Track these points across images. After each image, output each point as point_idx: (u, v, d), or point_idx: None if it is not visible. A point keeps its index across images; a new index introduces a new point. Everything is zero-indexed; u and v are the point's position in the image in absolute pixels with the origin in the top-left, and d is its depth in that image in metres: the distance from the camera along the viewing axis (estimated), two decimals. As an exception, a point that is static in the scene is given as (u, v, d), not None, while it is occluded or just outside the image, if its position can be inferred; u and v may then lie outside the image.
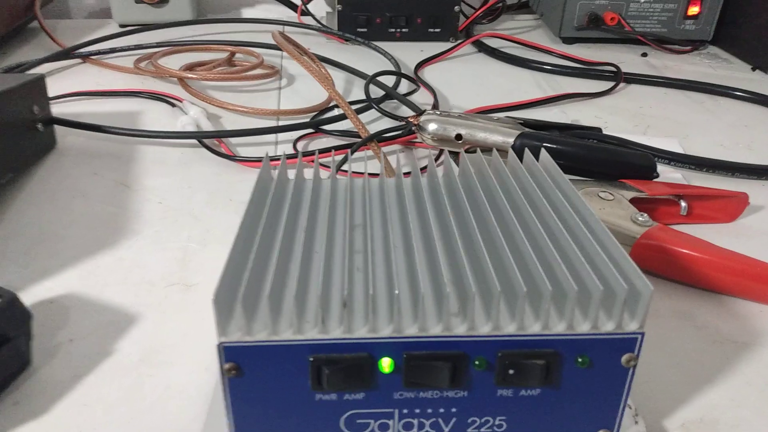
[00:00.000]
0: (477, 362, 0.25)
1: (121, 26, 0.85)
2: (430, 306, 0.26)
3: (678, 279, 0.40)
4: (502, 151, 0.47)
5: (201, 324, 0.35)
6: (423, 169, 0.49)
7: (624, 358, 0.26)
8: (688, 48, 0.83)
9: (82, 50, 0.73)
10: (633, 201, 0.43)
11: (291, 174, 0.35)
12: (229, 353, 0.25)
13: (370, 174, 0.37)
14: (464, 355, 0.25)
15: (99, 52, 0.74)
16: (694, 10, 0.81)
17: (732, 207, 0.46)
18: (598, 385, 0.26)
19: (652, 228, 0.40)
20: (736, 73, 0.76)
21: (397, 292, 0.24)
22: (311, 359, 0.25)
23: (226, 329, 0.24)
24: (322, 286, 0.25)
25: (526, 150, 0.37)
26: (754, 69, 0.77)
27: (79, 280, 0.39)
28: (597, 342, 0.25)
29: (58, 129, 0.55)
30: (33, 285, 0.38)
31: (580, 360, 0.26)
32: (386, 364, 0.25)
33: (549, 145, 0.45)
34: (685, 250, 0.39)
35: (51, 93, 0.60)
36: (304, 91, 0.67)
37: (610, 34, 0.82)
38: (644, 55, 0.81)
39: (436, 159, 0.52)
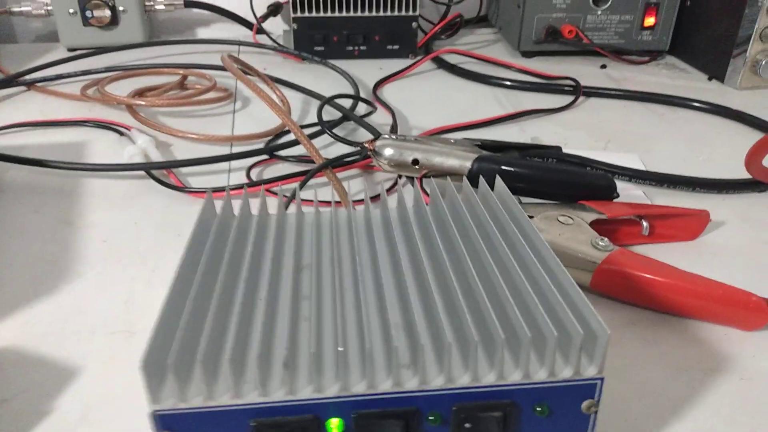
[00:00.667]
0: (431, 417, 0.24)
1: (70, 50, 0.82)
2: (379, 359, 0.25)
3: (641, 304, 0.39)
4: (459, 176, 0.46)
5: (144, 376, 0.33)
6: (375, 198, 0.48)
7: (584, 404, 0.25)
8: (646, 59, 0.83)
9: (26, 77, 0.71)
10: (593, 223, 0.42)
11: (237, 206, 0.34)
12: (163, 421, 0.23)
13: (321, 202, 0.35)
14: (417, 410, 0.24)
15: (44, 79, 0.71)
16: (650, 21, 0.81)
17: (694, 225, 0.46)
18: (559, 433, 0.25)
19: (613, 252, 0.39)
20: (694, 83, 0.77)
21: (341, 348, 0.23)
22: (253, 424, 0.23)
23: (158, 396, 0.23)
24: (262, 343, 0.23)
25: (481, 177, 0.36)
26: (710, 79, 0.77)
27: (16, 331, 0.36)
28: (555, 390, 0.24)
29: (-2, 164, 0.52)
30: (-37, 339, 0.36)
31: (538, 409, 0.24)
32: (334, 424, 0.24)
33: (506, 168, 0.44)
34: (647, 275, 0.38)
35: (-9, 125, 0.57)
36: (259, 114, 0.65)
37: (568, 46, 0.82)
38: (603, 66, 0.81)
39: (391, 187, 0.50)
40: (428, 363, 0.24)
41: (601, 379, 0.24)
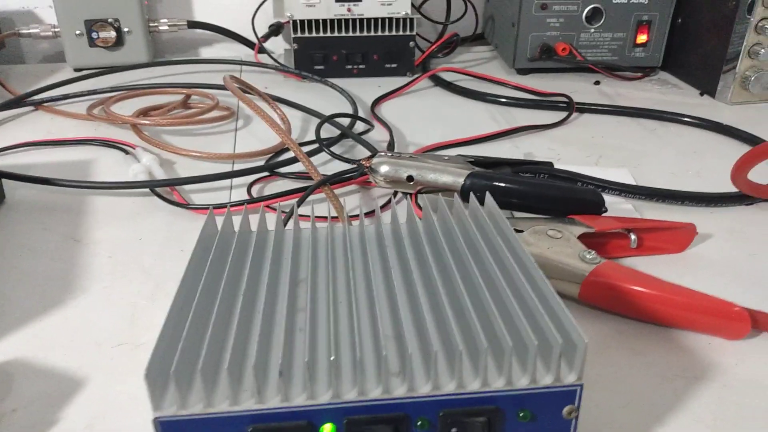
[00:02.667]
0: (419, 423, 0.25)
1: (76, 70, 0.84)
2: (369, 367, 0.26)
3: (628, 314, 0.40)
4: (453, 191, 0.47)
5: (148, 386, 0.35)
6: (370, 213, 0.49)
7: (565, 410, 0.26)
8: (639, 75, 0.85)
9: (34, 97, 0.73)
10: (582, 237, 0.43)
11: (238, 222, 0.35)
12: (164, 428, 0.24)
13: (318, 217, 0.37)
14: (406, 416, 0.25)
15: (51, 99, 0.73)
16: (642, 38, 0.83)
17: (681, 238, 0.47)
18: (542, 438, 0.26)
19: (600, 265, 0.40)
20: (686, 98, 0.78)
21: (332, 357, 0.24)
22: (250, 430, 0.24)
23: (160, 404, 0.24)
24: (258, 353, 0.25)
25: (471, 194, 0.37)
26: (701, 94, 0.79)
27: (25, 344, 0.38)
28: (537, 396, 0.25)
29: (8, 182, 0.54)
30: (-26, 352, 0.37)
31: (521, 414, 0.26)
32: (328, 430, 0.25)
33: (498, 184, 0.46)
34: (632, 286, 0.39)
35: (1, 143, 0.59)
36: (260, 132, 0.67)
37: (562, 63, 0.84)
38: (597, 83, 0.83)
39: (385, 204, 0.52)
40: (416, 371, 0.26)
41: (581, 386, 0.26)
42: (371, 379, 0.25)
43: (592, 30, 0.82)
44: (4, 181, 0.53)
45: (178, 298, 0.27)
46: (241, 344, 0.26)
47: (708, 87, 0.78)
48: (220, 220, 0.36)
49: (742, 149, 0.65)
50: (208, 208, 0.50)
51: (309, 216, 0.38)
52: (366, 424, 0.25)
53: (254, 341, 0.27)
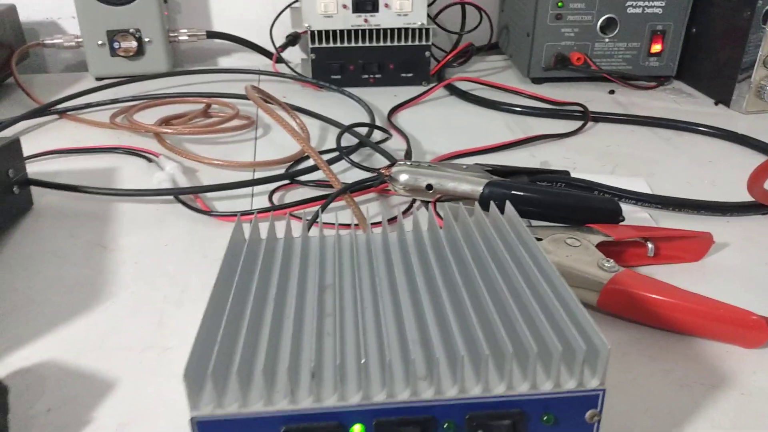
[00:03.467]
0: (446, 425, 0.26)
1: (98, 79, 0.86)
2: (397, 371, 0.27)
3: (646, 322, 0.41)
4: (471, 200, 0.48)
5: (178, 388, 0.36)
6: (392, 220, 0.50)
7: (588, 414, 0.27)
8: (654, 84, 0.85)
9: (58, 106, 0.74)
10: (600, 245, 0.44)
11: (265, 228, 0.36)
12: (201, 427, 0.25)
13: (341, 225, 0.37)
14: (433, 419, 0.26)
15: (75, 108, 0.74)
16: (656, 47, 0.84)
17: (697, 246, 0.48)
18: (565, 441, 0.27)
19: (618, 273, 0.41)
20: (700, 107, 0.79)
21: (363, 360, 0.25)
22: (283, 429, 0.25)
23: (197, 403, 0.25)
24: (291, 356, 0.26)
25: (492, 202, 0.38)
26: (716, 103, 0.79)
27: (55, 347, 0.39)
28: (560, 400, 0.26)
29: (35, 189, 0.55)
30: (8, 354, 0.38)
31: (545, 418, 0.26)
32: (357, 431, 0.26)
33: (516, 193, 0.47)
34: (650, 294, 0.40)
35: (28, 150, 0.60)
36: (280, 140, 0.68)
37: (577, 73, 0.84)
38: (612, 92, 0.84)
39: (406, 210, 0.53)
40: (443, 375, 0.26)
41: (603, 391, 0.26)
42: (399, 382, 0.26)
43: (607, 39, 0.83)
44: (31, 188, 0.55)
45: (211, 302, 0.28)
46: (273, 347, 0.27)
47: (723, 96, 0.79)
48: (245, 228, 0.37)
49: (757, 158, 0.65)
50: (231, 216, 0.51)
51: (333, 224, 0.39)
52: (394, 425, 0.26)
53: (286, 344, 0.28)
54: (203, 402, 0.25)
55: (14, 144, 0.52)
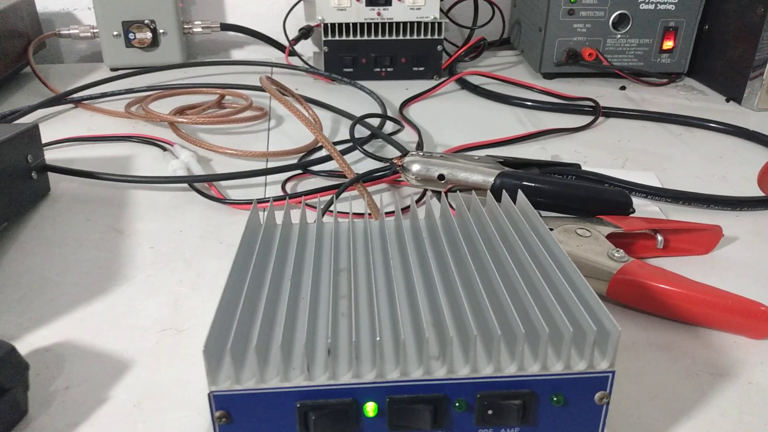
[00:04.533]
0: (457, 404, 0.27)
1: (112, 70, 0.87)
2: (411, 350, 0.27)
3: (654, 312, 0.41)
4: (482, 190, 0.48)
5: (193, 369, 0.36)
6: (405, 209, 0.51)
7: (597, 395, 0.27)
8: (665, 81, 0.85)
9: (74, 96, 0.75)
10: (610, 236, 0.45)
11: (279, 216, 0.37)
12: (219, 401, 0.26)
13: (354, 214, 0.38)
14: (445, 397, 0.26)
15: (91, 97, 0.75)
16: (668, 44, 0.84)
17: (707, 239, 0.48)
18: (574, 422, 0.28)
19: (628, 263, 0.41)
20: (711, 104, 0.79)
21: (378, 338, 0.26)
22: (298, 405, 0.26)
23: (216, 379, 0.26)
24: (307, 334, 0.26)
25: (504, 191, 0.38)
26: (727, 100, 0.79)
27: (74, 328, 0.40)
28: (570, 381, 0.27)
29: (52, 175, 0.56)
30: (28, 333, 0.39)
31: (555, 399, 0.27)
32: (370, 408, 0.26)
33: (528, 183, 0.47)
34: (659, 284, 0.40)
35: (44, 139, 0.61)
36: (293, 132, 0.69)
37: (588, 68, 0.84)
38: (623, 88, 0.84)
39: (419, 200, 0.53)
40: (455, 354, 0.27)
41: (613, 373, 0.27)
42: (413, 360, 0.27)
43: (619, 36, 0.83)
44: (48, 174, 0.56)
45: (229, 282, 0.29)
46: (289, 326, 0.28)
47: (734, 93, 0.79)
48: (260, 215, 0.38)
49: (767, 154, 0.65)
50: (245, 203, 0.52)
51: (347, 213, 0.40)
52: (407, 403, 0.26)
53: (302, 323, 0.28)
54: (222, 377, 0.26)
55: (33, 130, 0.53)
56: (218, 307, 0.27)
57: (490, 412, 0.27)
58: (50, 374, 0.36)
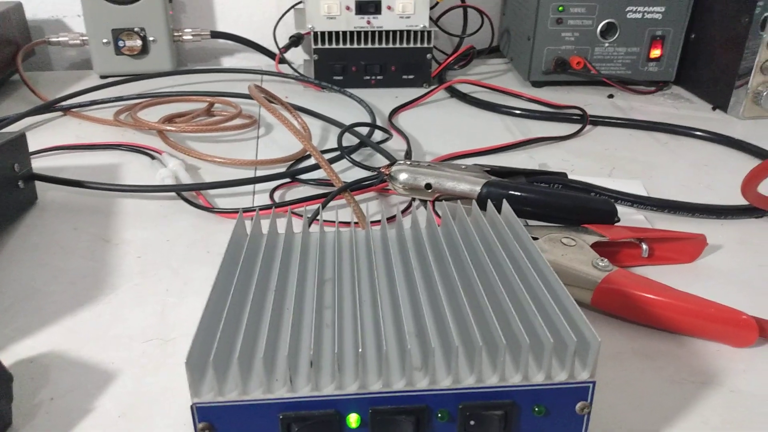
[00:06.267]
0: (440, 414, 0.27)
1: (102, 77, 0.87)
2: (393, 361, 0.28)
3: (638, 321, 0.41)
4: (469, 200, 0.49)
5: (179, 379, 0.36)
6: (391, 218, 0.51)
7: (578, 406, 0.27)
8: (653, 89, 0.86)
9: (63, 103, 0.75)
10: (595, 245, 0.45)
11: (265, 225, 0.37)
12: (202, 413, 0.26)
13: (341, 222, 0.38)
14: (427, 408, 0.27)
15: (80, 105, 0.75)
16: (655, 53, 0.85)
17: (691, 248, 0.48)
18: (556, 432, 0.28)
19: (612, 273, 0.42)
20: (698, 112, 0.80)
21: (360, 350, 0.26)
22: (281, 417, 0.26)
23: (198, 390, 0.26)
24: (290, 345, 0.26)
25: (489, 201, 0.39)
26: (714, 108, 0.80)
27: (59, 338, 0.40)
28: (551, 391, 0.27)
29: (39, 184, 0.56)
30: (14, 344, 0.39)
31: (536, 409, 0.27)
32: (353, 419, 0.26)
33: (513, 193, 0.47)
34: (643, 293, 0.40)
35: (32, 146, 0.61)
36: (282, 140, 0.69)
37: (577, 77, 0.85)
38: (611, 96, 0.85)
39: (405, 209, 0.54)
40: (438, 365, 0.27)
41: (593, 383, 0.27)
42: (395, 372, 0.27)
43: (607, 44, 0.84)
44: (36, 182, 0.55)
45: (213, 294, 0.29)
46: (273, 337, 0.28)
47: (720, 102, 0.79)
48: (246, 224, 0.38)
49: (753, 163, 0.66)
50: (233, 212, 0.52)
51: (333, 221, 0.40)
52: (390, 414, 0.26)
53: (286, 334, 0.29)
54: (204, 389, 0.26)
55: (20, 139, 0.53)
56: (201, 319, 0.27)
57: (472, 422, 0.27)
58: (35, 385, 0.36)
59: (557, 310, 0.28)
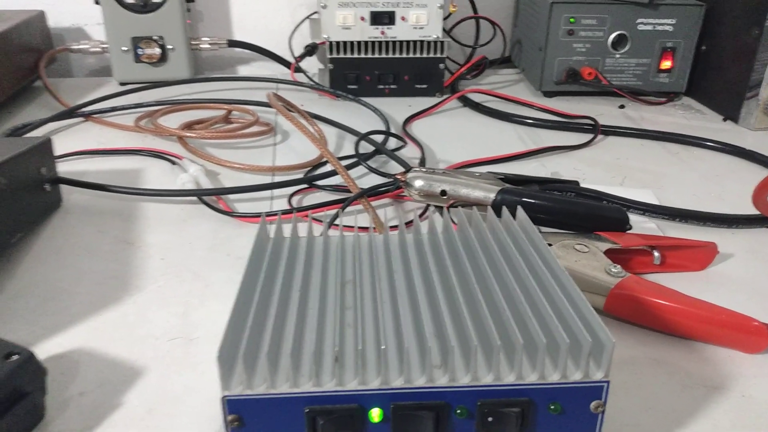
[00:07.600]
0: (458, 411, 0.28)
1: (122, 84, 0.89)
2: (414, 359, 0.29)
3: (650, 326, 0.42)
4: (483, 206, 0.50)
5: (202, 377, 0.38)
6: (408, 223, 0.52)
7: (592, 404, 0.28)
8: (663, 100, 0.87)
9: (84, 109, 0.77)
10: (608, 252, 0.46)
11: (286, 229, 0.38)
12: (231, 406, 0.27)
13: (360, 228, 0.39)
14: (447, 404, 0.28)
15: (100, 111, 0.77)
16: (666, 64, 0.86)
17: (702, 256, 0.49)
18: (570, 429, 0.29)
19: (624, 279, 0.42)
20: (709, 123, 0.80)
21: (383, 347, 0.27)
22: (307, 410, 0.27)
23: (229, 384, 0.27)
24: (316, 342, 0.28)
25: (504, 207, 0.40)
26: (725, 119, 0.81)
27: (87, 336, 0.41)
28: (567, 390, 0.28)
29: (64, 187, 0.57)
30: (43, 341, 0.40)
31: (552, 407, 0.28)
32: (375, 414, 0.28)
33: (528, 200, 0.48)
34: (655, 299, 0.41)
35: (56, 152, 0.63)
36: (298, 147, 0.70)
37: (588, 87, 0.86)
38: (622, 107, 0.86)
39: (422, 214, 0.55)
40: (457, 363, 0.28)
41: (607, 383, 0.28)
42: (416, 369, 0.28)
43: (618, 55, 0.85)
44: (60, 186, 0.57)
45: (241, 292, 0.30)
46: (298, 334, 0.29)
47: (731, 113, 0.80)
48: (268, 228, 0.39)
49: (763, 173, 0.67)
50: (253, 217, 0.53)
51: (352, 226, 0.41)
52: (410, 409, 0.27)
53: (311, 332, 0.30)
54: (234, 382, 0.27)
55: (46, 144, 0.55)
56: (231, 316, 0.28)
57: (490, 419, 0.28)
58: (65, 380, 0.37)
59: (572, 311, 0.29)
